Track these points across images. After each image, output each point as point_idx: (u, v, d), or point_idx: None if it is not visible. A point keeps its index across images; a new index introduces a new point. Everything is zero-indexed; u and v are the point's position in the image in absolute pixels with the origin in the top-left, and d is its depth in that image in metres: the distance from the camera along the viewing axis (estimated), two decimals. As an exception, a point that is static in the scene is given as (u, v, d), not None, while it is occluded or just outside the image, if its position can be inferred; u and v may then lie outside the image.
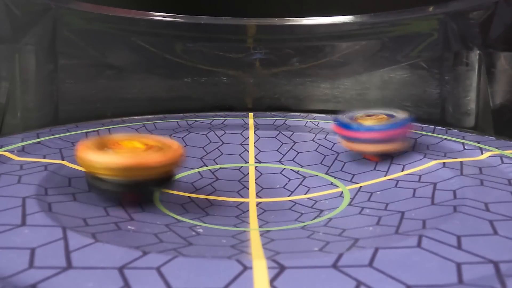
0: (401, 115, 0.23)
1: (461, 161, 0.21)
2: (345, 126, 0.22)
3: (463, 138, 0.27)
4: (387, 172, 0.22)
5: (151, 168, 0.16)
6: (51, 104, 0.32)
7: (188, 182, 0.22)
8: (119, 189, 0.16)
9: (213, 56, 0.39)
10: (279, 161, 0.26)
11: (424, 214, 0.16)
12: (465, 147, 0.24)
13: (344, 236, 0.15)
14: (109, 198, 0.17)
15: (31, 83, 0.31)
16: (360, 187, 0.21)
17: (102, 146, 0.16)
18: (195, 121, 0.32)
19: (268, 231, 0.16)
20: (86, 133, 0.27)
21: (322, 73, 0.39)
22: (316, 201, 0.20)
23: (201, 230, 0.16)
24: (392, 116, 0.23)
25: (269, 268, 0.11)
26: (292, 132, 0.28)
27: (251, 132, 0.29)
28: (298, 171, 0.24)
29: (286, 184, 0.23)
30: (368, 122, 0.22)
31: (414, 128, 0.23)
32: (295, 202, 0.20)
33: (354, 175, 0.23)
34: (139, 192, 0.16)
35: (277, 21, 0.38)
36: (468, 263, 0.11)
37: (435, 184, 0.19)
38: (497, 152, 0.23)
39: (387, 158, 0.23)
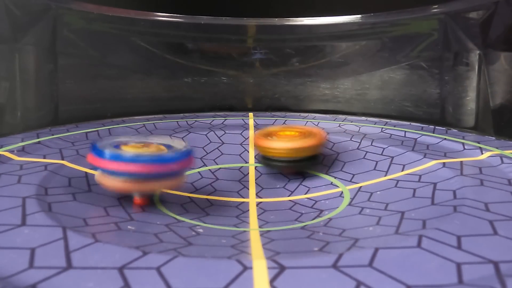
0: (179, 146, 0.18)
1: (461, 161, 0.21)
2: (98, 153, 0.16)
3: (463, 138, 0.27)
4: (387, 172, 0.22)
5: (307, 149, 0.22)
6: (51, 104, 0.32)
7: (188, 182, 0.22)
8: (285, 165, 0.22)
9: (213, 56, 0.39)
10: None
11: (424, 214, 0.16)
12: (465, 147, 0.24)
13: (344, 236, 0.15)
14: (277, 170, 0.23)
15: (31, 83, 0.31)
16: (360, 187, 0.21)
17: (267, 136, 0.23)
18: (195, 121, 0.32)
19: (268, 231, 0.16)
20: (86, 133, 0.27)
21: (322, 73, 0.39)
22: (316, 201, 0.20)
23: (201, 230, 0.16)
24: (170, 147, 0.18)
25: (269, 268, 0.11)
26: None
27: (251, 132, 0.29)
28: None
29: (286, 184, 0.23)
30: (133, 151, 0.16)
31: (193, 163, 0.18)
32: (295, 202, 0.20)
33: (354, 175, 0.23)
34: (296, 167, 0.23)
35: (277, 21, 0.38)
36: (468, 263, 0.11)
37: (435, 184, 0.19)
38: (497, 152, 0.23)
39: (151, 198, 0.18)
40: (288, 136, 0.23)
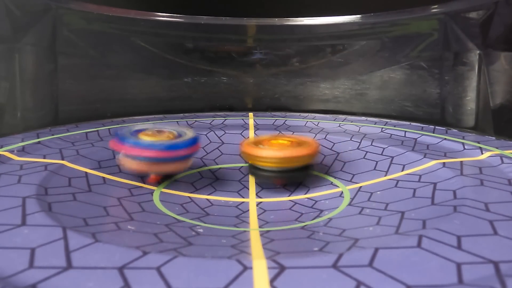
0: (189, 134, 0.21)
1: (461, 161, 0.21)
2: (121, 139, 0.19)
3: (463, 138, 0.27)
4: (387, 172, 0.22)
5: (299, 159, 0.20)
6: (51, 104, 0.32)
7: (188, 182, 0.22)
8: (273, 175, 0.21)
9: (213, 56, 0.39)
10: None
11: (424, 214, 0.16)
12: (465, 147, 0.24)
13: (344, 236, 0.15)
14: (266, 181, 0.22)
15: (31, 83, 0.31)
16: (360, 187, 0.21)
17: (257, 144, 0.21)
18: (195, 121, 0.32)
19: (268, 231, 0.16)
20: (86, 133, 0.27)
21: (322, 73, 0.39)
22: (316, 201, 0.20)
23: (201, 230, 0.16)
24: (180, 135, 0.21)
25: (269, 268, 0.11)
26: (292, 132, 0.28)
27: (251, 132, 0.29)
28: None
29: (286, 184, 0.23)
30: (149, 139, 0.20)
31: (199, 148, 0.21)
32: (295, 202, 0.20)
33: (354, 175, 0.23)
34: (286, 178, 0.21)
35: (277, 21, 0.38)
36: (468, 263, 0.11)
37: (435, 184, 0.19)
38: (497, 152, 0.23)
39: (170, 177, 0.21)
40: (279, 145, 0.21)
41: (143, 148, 0.19)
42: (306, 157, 0.20)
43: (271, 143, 0.22)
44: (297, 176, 0.21)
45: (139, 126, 0.21)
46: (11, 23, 0.29)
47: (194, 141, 0.20)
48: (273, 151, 0.20)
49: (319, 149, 0.21)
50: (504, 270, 0.11)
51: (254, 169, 0.21)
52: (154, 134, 0.20)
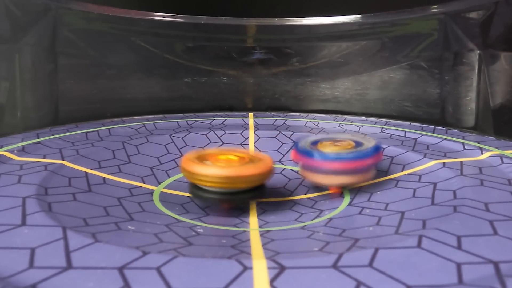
0: (369, 142, 0.20)
1: (461, 161, 0.21)
2: (305, 153, 0.19)
3: (463, 138, 0.27)
4: (387, 172, 0.22)
5: (247, 179, 0.17)
6: (51, 104, 0.32)
7: (188, 182, 0.22)
8: (218, 197, 0.18)
9: (213, 56, 0.39)
10: (279, 161, 0.26)
11: (424, 214, 0.16)
12: (465, 147, 0.24)
13: (344, 236, 0.15)
14: (209, 204, 0.19)
15: (31, 83, 0.31)
16: (360, 187, 0.21)
17: (202, 159, 0.18)
18: (195, 121, 0.32)
19: (268, 231, 0.16)
20: (86, 133, 0.27)
21: (322, 73, 0.39)
22: (316, 201, 0.20)
23: (201, 230, 0.16)
24: (359, 143, 0.20)
25: (269, 268, 0.11)
26: (292, 132, 0.28)
27: (251, 132, 0.29)
28: (298, 171, 0.24)
29: (286, 184, 0.23)
30: (330, 150, 0.19)
31: (382, 157, 0.19)
32: (295, 202, 0.20)
33: (354, 175, 0.23)
34: (234, 200, 0.18)
35: (277, 21, 0.38)
36: (468, 263, 0.11)
37: (435, 184, 0.19)
38: (497, 152, 0.23)
39: (354, 188, 0.20)
40: (225, 161, 0.18)
41: (331, 160, 0.18)
42: (256, 177, 0.17)
43: (217, 158, 0.18)
44: (245, 199, 0.18)
45: (314, 136, 0.21)
46: (11, 23, 0.29)
47: (377, 149, 0.19)
48: (217, 168, 0.17)
49: (272, 168, 0.18)
50: (504, 270, 0.11)
51: (195, 189, 0.18)
52: (333, 144, 0.20)
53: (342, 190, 0.20)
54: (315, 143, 0.20)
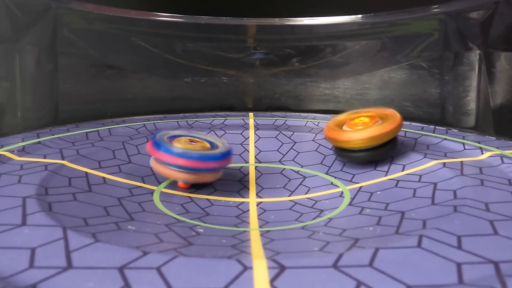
0: (223, 148, 0.20)
1: (461, 161, 0.21)
2: (156, 145, 0.19)
3: (463, 138, 0.27)
4: (387, 172, 0.22)
5: (387, 134, 0.21)
6: (51, 104, 0.32)
7: (188, 183, 0.22)
8: (364, 154, 0.22)
9: (213, 56, 0.39)
10: (279, 161, 0.26)
11: (424, 214, 0.16)
12: (465, 147, 0.24)
13: (344, 236, 0.15)
14: (356, 162, 0.23)
15: (31, 83, 0.31)
16: (360, 187, 0.21)
17: (340, 126, 0.22)
18: (195, 121, 0.32)
19: (268, 231, 0.16)
20: (86, 133, 0.27)
21: (322, 73, 0.39)
22: (316, 201, 0.20)
23: (201, 230, 0.16)
24: (214, 146, 0.20)
25: (269, 268, 0.11)
26: (292, 132, 0.28)
27: (251, 132, 0.29)
28: (298, 171, 0.24)
29: (286, 184, 0.23)
30: (180, 146, 0.19)
31: (231, 161, 0.20)
32: (295, 202, 0.20)
33: (354, 175, 0.23)
34: (377, 155, 0.22)
35: (277, 21, 0.38)
36: (468, 263, 0.11)
37: (435, 184, 0.19)
38: (497, 152, 0.23)
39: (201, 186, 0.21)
40: (362, 124, 0.22)
41: (176, 156, 0.19)
42: (394, 130, 0.22)
43: (354, 123, 0.22)
44: (383, 152, 0.22)
45: (176, 131, 0.21)
46: (11, 23, 0.29)
47: (227, 154, 0.20)
48: (361, 132, 0.21)
49: (401, 120, 0.22)
50: (504, 270, 0.11)
51: (341, 151, 0.23)
52: (188, 142, 0.20)
53: (190, 185, 0.21)
54: (173, 137, 0.20)
